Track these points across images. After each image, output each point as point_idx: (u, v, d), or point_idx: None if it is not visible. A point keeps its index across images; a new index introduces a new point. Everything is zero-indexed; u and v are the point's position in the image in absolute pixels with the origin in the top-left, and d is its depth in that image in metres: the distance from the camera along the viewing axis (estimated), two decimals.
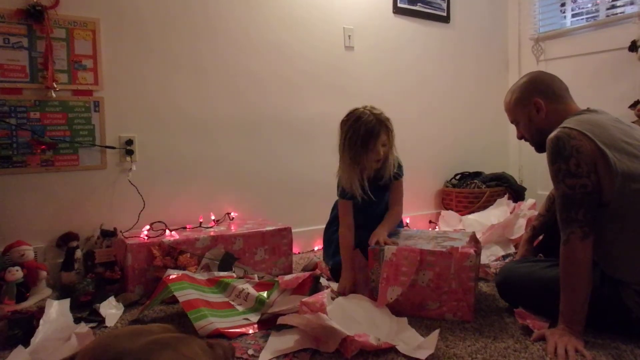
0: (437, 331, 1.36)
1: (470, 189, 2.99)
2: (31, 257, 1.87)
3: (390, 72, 2.95)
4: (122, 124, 2.17)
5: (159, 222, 2.06)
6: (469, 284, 1.57)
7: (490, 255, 2.22)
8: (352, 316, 1.53)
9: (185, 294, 1.57)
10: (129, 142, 2.17)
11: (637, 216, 1.34)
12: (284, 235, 2.18)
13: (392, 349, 1.34)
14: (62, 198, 2.05)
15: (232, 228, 2.19)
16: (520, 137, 1.68)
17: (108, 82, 2.12)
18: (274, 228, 2.16)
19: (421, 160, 3.08)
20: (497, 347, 1.37)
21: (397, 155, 1.91)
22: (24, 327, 1.43)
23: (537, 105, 1.57)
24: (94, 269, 1.96)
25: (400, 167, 1.95)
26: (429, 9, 3.10)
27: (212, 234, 2.05)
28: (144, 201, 2.16)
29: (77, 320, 1.54)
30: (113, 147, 2.13)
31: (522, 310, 1.54)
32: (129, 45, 2.17)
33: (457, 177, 3.18)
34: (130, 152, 2.16)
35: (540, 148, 1.60)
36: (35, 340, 1.37)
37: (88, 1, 2.08)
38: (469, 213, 2.83)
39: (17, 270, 1.77)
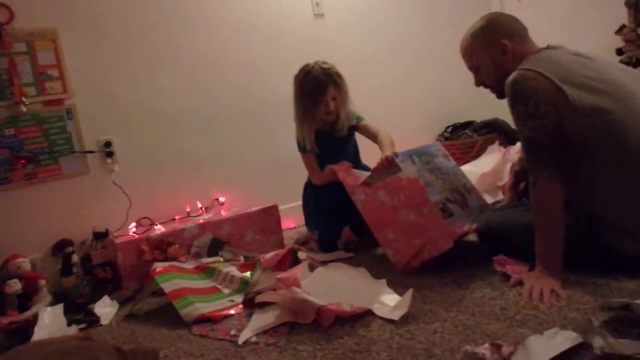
0: (410, 290, 1.37)
1: (462, 140, 2.94)
2: (28, 268, 1.93)
3: (363, 35, 2.87)
4: (98, 127, 2.19)
5: (144, 218, 2.10)
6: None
7: None
8: (333, 284, 1.55)
9: (171, 285, 1.62)
10: (108, 144, 2.20)
11: (607, 150, 1.30)
12: (271, 213, 2.20)
13: (369, 312, 1.36)
14: (51, 208, 2.10)
15: (223, 213, 2.21)
16: (479, 84, 1.63)
17: (77, 88, 2.14)
18: (259, 208, 2.18)
19: (409, 120, 3.02)
20: (474, 297, 1.37)
21: (353, 110, 1.99)
22: (21, 337, 1.49)
23: (504, 48, 1.49)
24: (92, 271, 2.02)
25: (359, 118, 2.00)
26: None
27: (200, 221, 2.08)
28: (130, 199, 2.20)
29: (71, 323, 1.60)
30: (92, 152, 2.17)
31: (503, 257, 1.52)
32: (90, 48, 2.17)
33: (449, 130, 3.12)
34: (110, 154, 2.20)
35: (502, 94, 1.56)
36: None
37: (43, 12, 2.08)
38: (463, 164, 2.78)
39: (15, 283, 1.83)
